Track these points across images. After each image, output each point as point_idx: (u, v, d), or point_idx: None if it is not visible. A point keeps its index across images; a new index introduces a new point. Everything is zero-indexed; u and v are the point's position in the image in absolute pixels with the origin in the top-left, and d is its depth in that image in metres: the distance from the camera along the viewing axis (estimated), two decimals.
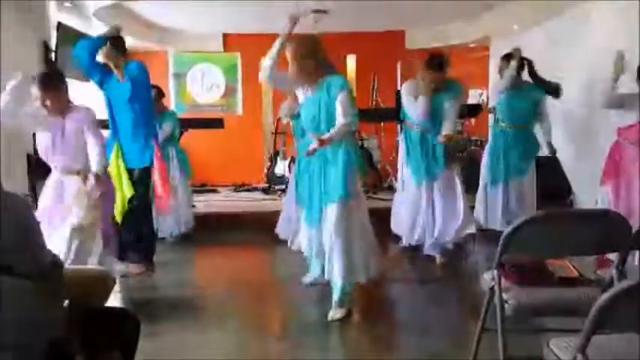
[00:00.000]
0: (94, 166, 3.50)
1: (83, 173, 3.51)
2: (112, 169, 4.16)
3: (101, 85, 4.26)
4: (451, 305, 3.87)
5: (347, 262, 3.37)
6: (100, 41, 4.15)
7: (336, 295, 3.42)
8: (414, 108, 4.45)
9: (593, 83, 5.65)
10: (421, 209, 4.57)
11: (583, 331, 1.47)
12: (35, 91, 3.42)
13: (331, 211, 3.35)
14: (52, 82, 3.49)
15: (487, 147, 5.42)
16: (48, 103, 3.42)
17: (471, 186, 5.40)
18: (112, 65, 4.19)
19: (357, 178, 3.47)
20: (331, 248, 3.36)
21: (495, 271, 2.24)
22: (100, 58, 4.17)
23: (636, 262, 3.19)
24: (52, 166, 3.61)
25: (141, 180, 4.26)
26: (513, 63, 4.87)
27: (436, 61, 4.35)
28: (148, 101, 4.37)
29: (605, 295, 1.40)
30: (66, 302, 2.11)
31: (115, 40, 4.18)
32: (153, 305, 3.82)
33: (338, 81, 3.32)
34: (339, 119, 3.27)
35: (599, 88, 4.05)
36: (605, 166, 4.04)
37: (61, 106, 3.50)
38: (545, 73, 5.20)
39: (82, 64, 4.15)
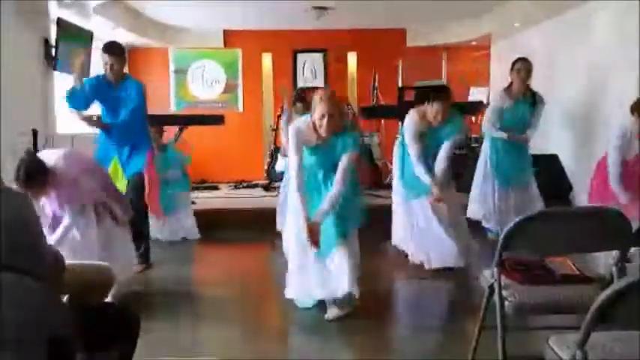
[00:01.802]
0: None
1: None
2: (112, 172, 4.25)
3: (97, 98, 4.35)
4: (450, 303, 3.87)
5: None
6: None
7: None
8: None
9: (593, 83, 5.66)
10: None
11: (582, 327, 1.47)
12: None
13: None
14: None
15: None
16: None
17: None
18: (111, 71, 4.24)
19: None
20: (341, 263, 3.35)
21: (495, 269, 2.24)
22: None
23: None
24: None
25: (134, 185, 4.33)
26: None
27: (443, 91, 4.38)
28: (141, 110, 4.39)
29: (605, 292, 1.40)
30: (65, 298, 2.11)
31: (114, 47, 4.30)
32: (151, 302, 3.81)
33: (350, 140, 3.39)
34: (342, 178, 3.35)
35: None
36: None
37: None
38: (545, 72, 5.20)
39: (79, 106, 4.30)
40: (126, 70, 4.67)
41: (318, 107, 3.33)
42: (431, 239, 4.31)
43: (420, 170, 4.26)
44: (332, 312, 3.37)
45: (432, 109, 4.23)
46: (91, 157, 4.10)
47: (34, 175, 3.18)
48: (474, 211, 5.26)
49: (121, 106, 4.27)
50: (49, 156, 3.34)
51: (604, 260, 2.96)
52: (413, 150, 4.29)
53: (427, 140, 4.31)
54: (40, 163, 3.24)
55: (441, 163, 4.27)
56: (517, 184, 5.14)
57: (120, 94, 4.29)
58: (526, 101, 5.00)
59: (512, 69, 4.99)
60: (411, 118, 4.35)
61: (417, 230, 4.41)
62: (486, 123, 5.16)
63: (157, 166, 4.86)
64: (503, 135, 5.03)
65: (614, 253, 2.22)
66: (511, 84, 5.03)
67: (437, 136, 4.29)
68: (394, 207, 4.83)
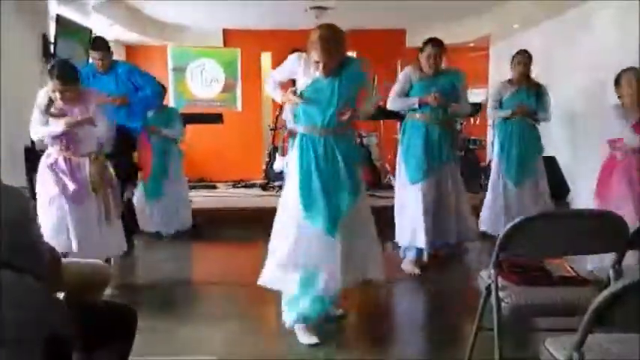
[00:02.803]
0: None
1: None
2: None
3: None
4: (448, 304, 3.87)
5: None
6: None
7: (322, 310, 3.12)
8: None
9: (593, 83, 5.66)
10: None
11: (579, 329, 1.47)
12: (54, 83, 3.51)
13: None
14: (71, 74, 3.58)
15: None
16: (67, 95, 3.54)
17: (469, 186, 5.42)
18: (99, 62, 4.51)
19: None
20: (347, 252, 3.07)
21: (492, 270, 2.24)
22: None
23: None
24: None
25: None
26: None
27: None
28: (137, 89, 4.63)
29: (602, 294, 1.40)
30: (62, 296, 2.10)
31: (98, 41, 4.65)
32: (148, 301, 3.81)
33: (358, 65, 3.19)
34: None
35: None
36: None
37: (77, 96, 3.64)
38: (544, 72, 5.19)
39: None
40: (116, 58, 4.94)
41: (313, 51, 3.08)
42: (423, 220, 4.23)
43: (402, 103, 4.30)
44: (309, 338, 3.07)
45: (424, 57, 4.16)
46: None
47: (67, 70, 3.54)
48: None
49: (113, 91, 4.45)
50: None
51: (591, 262, 2.98)
52: (394, 90, 4.27)
53: (424, 92, 4.19)
54: (72, 64, 3.67)
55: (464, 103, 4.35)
56: (529, 177, 4.91)
57: (111, 82, 4.49)
58: (530, 89, 4.80)
59: (511, 62, 4.86)
60: (406, 68, 4.36)
61: (412, 212, 4.30)
62: (488, 109, 5.04)
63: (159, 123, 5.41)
64: (508, 112, 4.83)
65: (610, 255, 2.23)
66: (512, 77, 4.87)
67: (435, 86, 4.17)
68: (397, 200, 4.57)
